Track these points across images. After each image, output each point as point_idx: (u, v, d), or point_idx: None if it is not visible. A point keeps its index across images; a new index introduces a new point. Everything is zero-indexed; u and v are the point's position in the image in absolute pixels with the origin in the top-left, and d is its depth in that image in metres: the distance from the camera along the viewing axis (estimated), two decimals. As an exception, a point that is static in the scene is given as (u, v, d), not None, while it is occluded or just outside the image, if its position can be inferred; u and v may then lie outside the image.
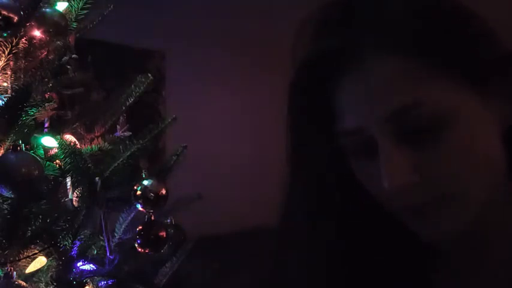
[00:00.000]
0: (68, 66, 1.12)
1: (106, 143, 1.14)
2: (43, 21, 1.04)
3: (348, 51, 0.47)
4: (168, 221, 1.28)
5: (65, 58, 1.11)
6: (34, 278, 1.03)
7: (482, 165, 0.46)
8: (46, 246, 1.00)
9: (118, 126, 1.23)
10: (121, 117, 1.23)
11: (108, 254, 1.12)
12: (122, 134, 1.22)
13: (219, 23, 2.98)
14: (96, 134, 1.18)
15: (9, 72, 1.00)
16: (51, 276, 1.03)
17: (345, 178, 0.52)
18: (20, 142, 0.92)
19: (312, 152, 0.52)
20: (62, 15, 1.09)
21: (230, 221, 2.82)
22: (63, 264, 1.03)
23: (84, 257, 1.09)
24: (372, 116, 0.46)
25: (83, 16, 1.15)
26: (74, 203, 1.06)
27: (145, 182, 1.09)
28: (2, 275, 0.94)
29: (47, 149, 1.05)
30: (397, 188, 0.45)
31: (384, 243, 0.54)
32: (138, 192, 1.08)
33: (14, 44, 0.98)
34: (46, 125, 1.12)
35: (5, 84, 1.00)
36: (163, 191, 1.10)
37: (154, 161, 1.22)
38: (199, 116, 3.10)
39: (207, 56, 3.22)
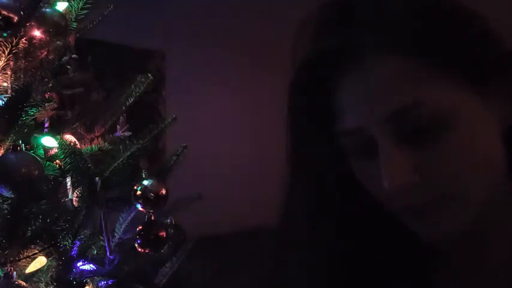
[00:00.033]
0: (68, 66, 1.12)
1: (106, 143, 1.14)
2: (43, 21, 1.04)
3: (348, 51, 0.47)
4: (168, 221, 1.28)
5: (65, 58, 1.11)
6: (34, 278, 1.03)
7: (482, 165, 0.46)
8: (46, 246, 1.00)
9: (118, 126, 1.23)
10: (121, 117, 1.23)
11: (108, 254, 1.12)
12: (122, 134, 1.22)
13: (219, 23, 2.98)
14: (96, 134, 1.18)
15: (9, 72, 1.00)
16: (51, 276, 1.03)
17: (345, 178, 0.52)
18: (20, 142, 0.92)
19: (312, 152, 0.52)
20: (62, 15, 1.09)
21: (230, 221, 2.82)
22: (63, 264, 1.03)
23: (84, 257, 1.09)
24: (372, 116, 0.46)
25: (83, 16, 1.15)
26: (74, 203, 1.06)
27: (145, 182, 1.09)
28: (2, 275, 0.94)
29: (47, 149, 1.05)
30: (397, 188, 0.45)
31: (384, 243, 0.54)
32: (138, 192, 1.08)
33: (14, 44, 0.98)
34: (46, 125, 1.12)
35: (5, 84, 1.00)
36: (163, 191, 1.10)
37: (154, 161, 1.22)
38: (199, 116, 3.10)
39: (207, 56, 3.22)
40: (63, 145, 1.01)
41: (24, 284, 0.95)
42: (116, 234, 1.18)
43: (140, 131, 1.11)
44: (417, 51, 0.45)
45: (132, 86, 1.20)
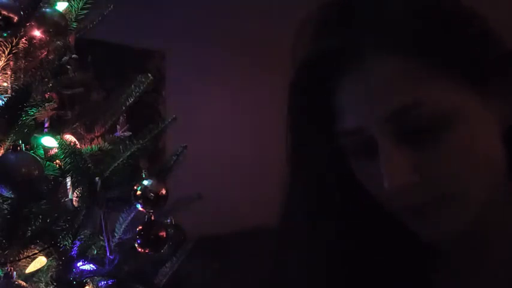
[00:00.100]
0: (68, 66, 1.12)
1: (106, 143, 1.14)
2: (43, 21, 1.04)
3: (348, 51, 0.46)
4: (168, 221, 1.28)
5: (65, 58, 1.11)
6: (34, 278, 1.03)
7: (482, 165, 0.46)
8: (46, 246, 1.00)
9: (118, 126, 1.23)
10: (121, 117, 1.23)
11: (108, 254, 1.12)
12: (122, 134, 1.22)
13: (219, 23, 2.98)
14: (96, 134, 1.18)
15: (9, 72, 1.00)
16: (51, 276, 1.03)
17: (345, 178, 0.52)
18: (20, 142, 0.92)
19: (312, 152, 0.52)
20: (62, 15, 1.09)
21: (230, 221, 2.82)
22: (63, 264, 1.03)
23: (84, 257, 1.09)
24: (372, 116, 0.46)
25: (83, 16, 1.15)
26: (74, 203, 1.06)
27: (145, 182, 1.09)
28: (2, 275, 0.94)
29: (47, 149, 1.05)
30: (397, 188, 0.45)
31: (384, 243, 0.54)
32: (138, 192, 1.08)
33: (14, 44, 0.98)
34: (46, 125, 1.12)
35: (5, 84, 1.00)
36: (163, 191, 1.10)
37: (154, 161, 1.22)
38: (199, 116, 3.10)
39: (207, 56, 3.21)
40: (63, 145, 1.01)
41: (24, 284, 0.95)
42: (116, 234, 1.18)
43: (140, 131, 1.11)
44: (417, 51, 0.45)
45: (132, 86, 1.20)
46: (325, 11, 0.50)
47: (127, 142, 1.10)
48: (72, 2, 1.14)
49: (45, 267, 1.04)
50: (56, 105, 1.06)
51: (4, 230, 0.93)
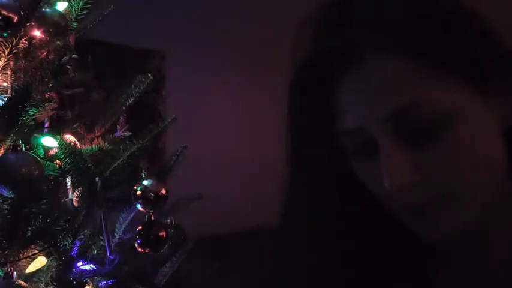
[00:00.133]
0: (68, 66, 1.12)
1: (106, 143, 1.14)
2: (43, 21, 1.04)
3: (348, 51, 0.46)
4: (168, 221, 1.28)
5: (65, 58, 1.11)
6: (34, 278, 1.03)
7: (483, 165, 0.46)
8: (46, 246, 1.00)
9: (118, 126, 1.23)
10: (121, 117, 1.23)
11: (108, 254, 1.12)
12: (122, 134, 1.22)
13: (219, 23, 2.98)
14: (96, 134, 1.18)
15: (9, 72, 1.00)
16: (51, 276, 1.03)
17: (345, 178, 0.52)
18: (20, 142, 0.92)
19: (312, 152, 0.52)
20: (62, 15, 1.09)
21: (230, 221, 2.82)
22: (63, 264, 1.03)
23: (84, 257, 1.09)
24: (372, 116, 0.46)
25: (83, 16, 1.15)
26: (74, 203, 1.06)
27: (145, 182, 1.09)
28: (2, 275, 0.94)
29: (47, 149, 1.05)
30: (398, 188, 0.45)
31: (384, 243, 0.54)
32: (138, 192, 1.08)
33: (14, 44, 0.98)
34: (46, 125, 1.12)
35: (5, 84, 1.00)
36: (163, 191, 1.10)
37: (154, 161, 1.22)
38: (199, 116, 3.10)
39: (207, 56, 3.21)
40: (63, 145, 1.01)
41: (24, 284, 0.95)
42: (116, 234, 1.18)
43: (140, 131, 1.11)
44: (417, 51, 0.45)
45: (132, 86, 1.20)
46: (325, 11, 0.50)
47: (127, 142, 1.10)
48: (72, 2, 1.14)
49: (45, 267, 1.04)
50: (56, 105, 1.06)
51: (4, 230, 0.93)
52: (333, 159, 0.51)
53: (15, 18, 0.94)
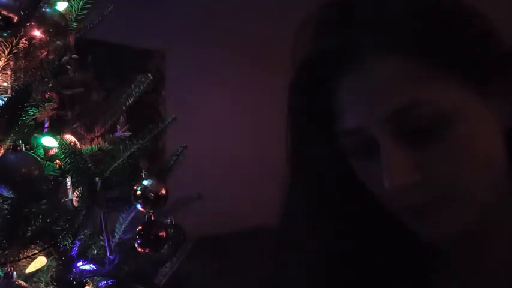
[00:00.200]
0: (68, 66, 1.12)
1: (106, 143, 1.14)
2: (43, 21, 1.04)
3: (348, 51, 0.46)
4: (168, 221, 1.28)
5: (65, 58, 1.11)
6: (34, 278, 1.03)
7: (483, 165, 0.46)
8: (46, 246, 1.00)
9: (118, 126, 1.23)
10: (121, 117, 1.23)
11: (108, 254, 1.12)
12: (122, 134, 1.22)
13: (219, 23, 2.98)
14: (96, 134, 1.18)
15: (9, 72, 1.00)
16: (51, 276, 1.03)
17: (345, 178, 0.52)
18: (20, 142, 0.92)
19: (312, 152, 0.52)
20: (62, 15, 1.09)
21: (230, 221, 2.82)
22: (63, 264, 1.03)
23: (84, 257, 1.09)
24: (372, 116, 0.46)
25: (83, 16, 1.15)
26: (74, 203, 1.06)
27: (145, 182, 1.08)
28: (2, 275, 0.94)
29: (47, 149, 1.05)
30: (398, 188, 0.45)
31: (384, 243, 0.54)
32: (138, 192, 1.08)
33: (14, 44, 0.98)
34: (46, 125, 1.12)
35: (5, 84, 1.00)
36: (163, 191, 1.10)
37: (154, 161, 1.22)
38: (199, 116, 3.10)
39: (207, 56, 3.21)
40: (63, 145, 1.01)
41: (24, 284, 0.95)
42: (116, 234, 1.18)
43: (140, 131, 1.11)
44: (417, 51, 0.45)
45: (132, 86, 1.20)
46: (325, 11, 0.50)
47: (127, 142, 1.10)
48: (72, 2, 1.14)
49: (45, 267, 1.04)
50: (56, 105, 1.06)
51: (4, 230, 0.93)
52: (333, 159, 0.51)
53: (15, 18, 0.94)
